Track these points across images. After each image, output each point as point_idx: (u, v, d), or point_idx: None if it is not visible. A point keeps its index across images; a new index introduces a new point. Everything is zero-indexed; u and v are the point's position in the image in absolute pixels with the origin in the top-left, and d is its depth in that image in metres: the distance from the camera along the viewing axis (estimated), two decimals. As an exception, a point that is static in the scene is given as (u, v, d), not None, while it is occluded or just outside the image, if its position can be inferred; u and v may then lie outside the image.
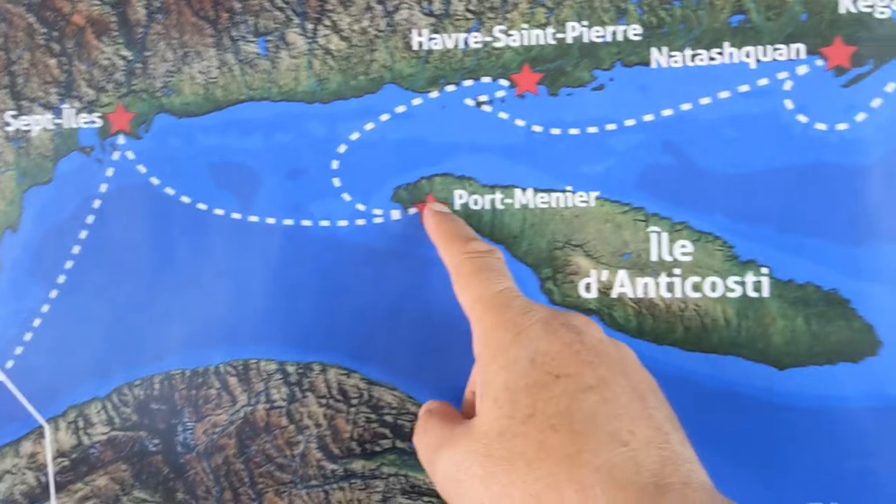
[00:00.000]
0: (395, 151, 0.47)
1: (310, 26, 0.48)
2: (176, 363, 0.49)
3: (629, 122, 0.46)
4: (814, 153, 0.44)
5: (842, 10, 0.44)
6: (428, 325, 0.47)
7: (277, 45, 0.48)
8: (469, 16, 0.47)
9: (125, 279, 0.49)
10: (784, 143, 0.44)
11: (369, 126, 0.47)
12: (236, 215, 0.48)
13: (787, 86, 0.44)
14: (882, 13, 0.43)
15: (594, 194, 0.46)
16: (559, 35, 0.46)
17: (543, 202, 0.46)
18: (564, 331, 0.34)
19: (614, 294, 0.46)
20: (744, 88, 0.45)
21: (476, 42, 0.47)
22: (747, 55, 0.45)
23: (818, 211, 0.44)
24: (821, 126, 0.44)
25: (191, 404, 0.49)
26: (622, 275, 0.46)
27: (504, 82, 0.47)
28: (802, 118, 0.44)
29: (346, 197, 0.48)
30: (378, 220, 0.48)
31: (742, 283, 0.45)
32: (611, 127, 0.46)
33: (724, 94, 0.45)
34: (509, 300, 0.37)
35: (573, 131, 0.46)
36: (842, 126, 0.44)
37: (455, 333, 0.47)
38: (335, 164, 0.48)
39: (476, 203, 0.47)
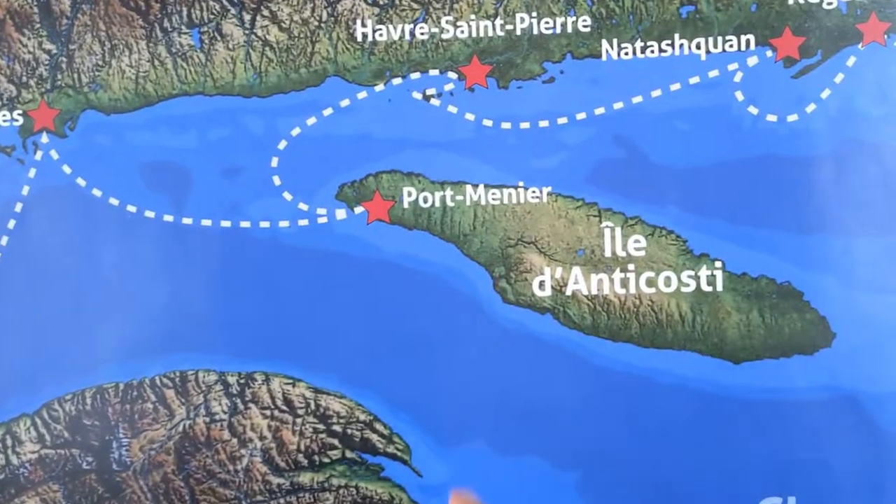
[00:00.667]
0: (339, 147, 0.45)
1: (247, 17, 0.45)
2: (109, 376, 0.46)
3: (580, 116, 0.45)
4: (765, 145, 0.44)
5: (790, 1, 0.43)
6: (376, 329, 0.45)
7: (213, 36, 0.45)
8: (415, 6, 0.45)
9: (51, 287, 0.46)
10: (735, 135, 0.44)
11: (311, 121, 0.45)
12: (169, 217, 0.46)
13: (738, 77, 0.44)
14: (830, 3, 0.43)
15: (546, 190, 0.45)
16: (508, 26, 0.45)
17: (495, 198, 0.45)
18: None
19: (568, 291, 0.45)
20: (694, 80, 0.44)
21: (423, 33, 0.45)
22: (698, 47, 0.44)
23: (770, 203, 0.44)
24: (771, 118, 0.44)
25: (126, 419, 0.46)
26: (576, 271, 0.45)
27: (452, 75, 0.45)
28: (753, 110, 0.44)
29: (288, 196, 0.45)
30: (322, 221, 0.45)
31: (696, 278, 0.44)
32: (562, 120, 0.45)
33: (674, 87, 0.44)
34: None
35: (524, 125, 0.45)
36: (792, 117, 0.44)
37: (404, 337, 0.45)
38: (275, 162, 0.45)
39: (425, 200, 0.45)
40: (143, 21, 0.45)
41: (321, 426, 0.46)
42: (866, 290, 0.44)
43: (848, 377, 0.44)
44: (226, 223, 0.45)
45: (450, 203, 0.45)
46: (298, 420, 0.46)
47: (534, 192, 0.45)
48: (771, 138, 0.44)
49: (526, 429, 0.45)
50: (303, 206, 0.45)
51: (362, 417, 0.46)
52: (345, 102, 0.45)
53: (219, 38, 0.45)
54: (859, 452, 0.44)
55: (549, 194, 0.45)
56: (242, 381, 0.46)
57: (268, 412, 0.46)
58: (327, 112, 0.45)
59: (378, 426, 0.46)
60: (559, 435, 0.45)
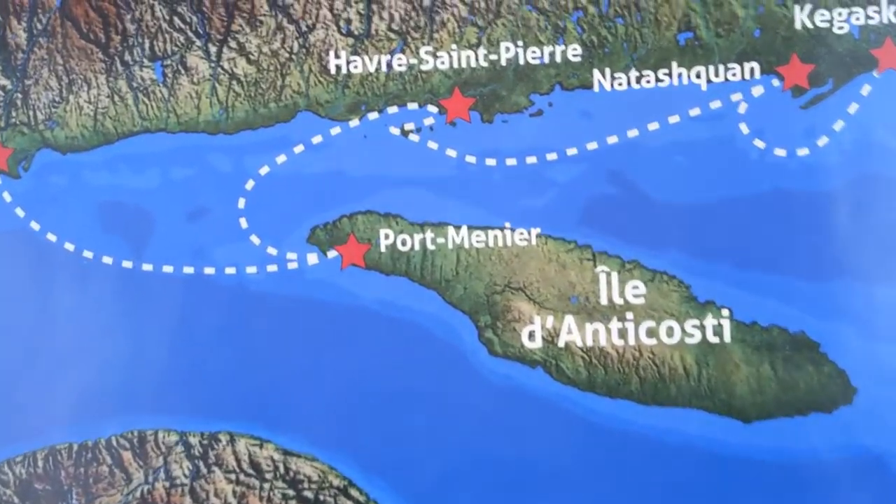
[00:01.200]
0: (311, 187, 0.42)
1: (213, 48, 0.42)
2: (61, 436, 0.42)
3: (571, 151, 0.41)
4: (773, 181, 0.40)
5: (797, 26, 0.40)
6: (351, 384, 0.42)
7: (176, 69, 0.42)
8: (392, 36, 0.42)
9: (0, 339, 0.42)
10: (740, 170, 0.40)
11: (281, 159, 0.42)
12: (127, 264, 0.42)
13: (742, 108, 0.40)
14: (841, 28, 0.40)
15: (535, 231, 0.41)
16: (492, 56, 0.41)
17: (479, 241, 0.41)
18: None
19: (561, 343, 0.41)
20: (695, 112, 0.40)
21: (400, 64, 0.42)
22: (697, 76, 0.40)
23: (780, 244, 0.40)
24: (780, 152, 0.40)
25: (79, 483, 0.42)
26: (569, 321, 0.41)
27: (433, 108, 0.42)
28: (759, 143, 0.40)
29: (255, 240, 0.42)
30: (292, 266, 0.42)
31: (701, 327, 0.40)
32: (551, 157, 0.41)
33: (673, 119, 0.41)
34: None
35: (510, 162, 0.41)
36: (802, 151, 0.40)
37: (382, 393, 0.41)
38: (242, 203, 0.42)
39: (404, 244, 0.41)
40: (103, 54, 0.42)
41: (291, 492, 0.42)
42: (889, 340, 0.39)
43: (871, 436, 0.39)
44: (189, 269, 0.42)
45: (430, 246, 0.41)
46: (266, 485, 0.42)
47: (522, 233, 0.41)
48: (780, 174, 0.40)
49: (516, 496, 0.41)
50: (272, 251, 0.42)
51: (336, 482, 0.42)
52: (317, 139, 0.42)
53: (183, 71, 0.42)
54: (886, 522, 0.39)
55: (538, 236, 0.41)
56: (205, 441, 0.42)
57: (233, 476, 0.42)
58: (298, 149, 0.42)
59: (353, 492, 0.42)
60: (553, 502, 0.41)
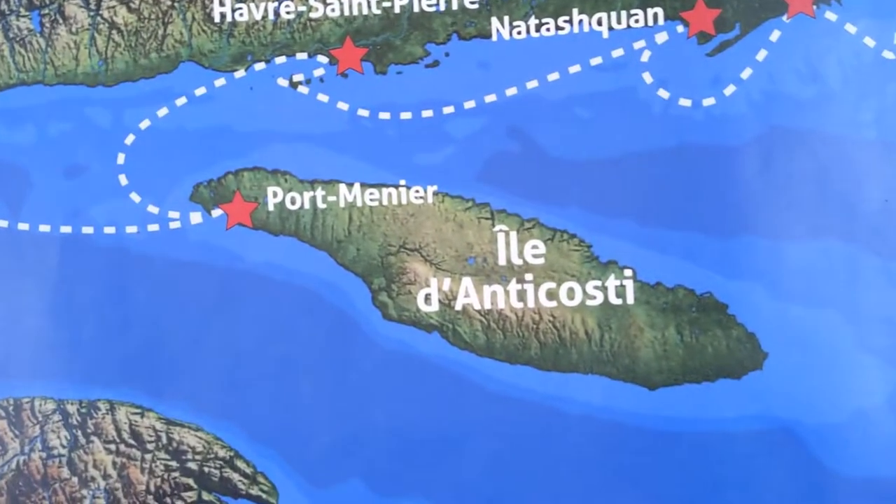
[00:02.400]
0: (194, 142, 0.39)
1: (91, -3, 0.40)
2: (-63, 406, 0.40)
3: (469, 104, 0.39)
4: (678, 134, 0.38)
5: (702, -31, 0.38)
6: (238, 352, 0.39)
7: (54, 19, 0.40)
8: (278, -19, 0.39)
9: None
10: (644, 123, 0.38)
11: (163, 112, 0.39)
12: (3, 223, 0.40)
13: (645, 56, 0.38)
14: (747, -29, 0.37)
15: (431, 189, 0.39)
16: (385, 3, 0.39)
17: (373, 199, 0.39)
18: None
19: (458, 306, 0.39)
20: (596, 61, 0.38)
21: (288, 12, 0.39)
22: (599, 23, 0.38)
23: (686, 200, 0.38)
24: (685, 102, 0.38)
25: (-45, 456, 0.40)
26: (467, 283, 0.39)
27: (323, 59, 0.39)
28: (664, 94, 0.38)
29: (136, 198, 0.39)
30: (175, 226, 0.39)
31: (603, 289, 0.38)
32: (448, 110, 0.39)
33: (574, 69, 0.38)
34: None
35: (405, 115, 0.39)
36: (708, 101, 0.38)
37: (269, 360, 0.39)
38: (121, 159, 0.39)
39: (293, 202, 0.39)
40: (-23, 2, 0.40)
41: (174, 463, 0.39)
42: (801, 301, 0.37)
43: (782, 405, 0.37)
44: (66, 229, 0.40)
45: (321, 205, 0.39)
46: (148, 456, 0.39)
47: (417, 191, 0.39)
48: (685, 126, 0.38)
49: (409, 466, 0.39)
50: (153, 209, 0.39)
51: (221, 453, 0.39)
52: (200, 91, 0.39)
53: (61, 20, 0.40)
54: (796, 494, 0.37)
55: (434, 194, 0.39)
56: (84, 410, 0.40)
57: (112, 447, 0.40)
58: (181, 102, 0.39)
59: (240, 463, 0.39)
60: (448, 473, 0.38)
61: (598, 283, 0.38)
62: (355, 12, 0.39)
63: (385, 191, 0.39)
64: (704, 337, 0.38)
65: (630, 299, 0.38)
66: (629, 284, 0.38)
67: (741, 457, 0.37)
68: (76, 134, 0.40)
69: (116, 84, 0.40)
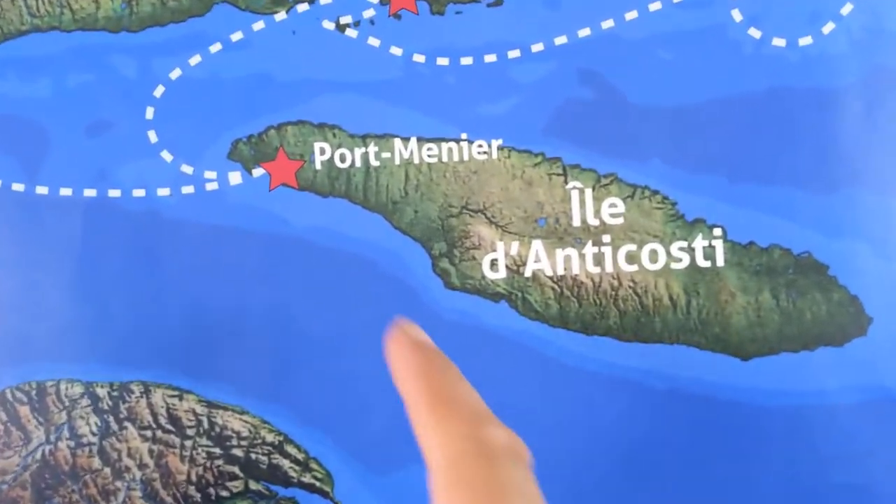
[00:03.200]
0: (231, 93, 0.35)
1: (112, -68, 0.36)
2: (-51, 392, 0.36)
3: (537, 48, 0.35)
4: (771, 77, 0.34)
5: None
6: (284, 326, 0.35)
7: (70, -42, 0.36)
8: (323, -88, 0.35)
9: None
10: (733, 65, 0.34)
11: (195, 60, 0.35)
12: (19, 186, 0.36)
13: (736, -9, 0.34)
14: None
15: (496, 143, 0.35)
16: (442, -64, 0.35)
17: (431, 155, 0.35)
18: None
19: (528, 272, 0.35)
20: (680, -3, 0.34)
21: (334, -53, 0.35)
22: (683, -46, 0.34)
23: (781, 151, 0.34)
24: (778, 42, 0.34)
25: (-29, 447, 0.36)
26: (537, 246, 0.35)
27: (373, -1, 0.35)
28: (755, 33, 0.34)
29: (167, 157, 0.35)
30: (211, 187, 0.35)
31: (690, 250, 0.34)
32: (514, 54, 0.35)
33: (654, 6, 0.34)
34: None
35: (465, 61, 0.35)
36: (805, 41, 0.34)
37: (320, 336, 0.35)
38: (150, 113, 0.35)
39: (343, 159, 0.35)
40: (-17, -60, 0.36)
41: (217, 450, 0.36)
42: (909, 260, 0.34)
43: (888, 373, 0.34)
44: (90, 192, 0.35)
45: (374, 162, 0.35)
46: (188, 443, 0.36)
47: (480, 146, 0.35)
48: (779, 68, 0.34)
49: (477, 449, 0.35)
50: (186, 169, 0.35)
51: (269, 438, 0.36)
52: (237, 36, 0.35)
53: (78, -41, 0.35)
54: (907, 471, 0.33)
55: (499, 149, 0.35)
56: (115, 393, 0.36)
57: (148, 433, 0.36)
58: (215, 48, 0.35)
59: (290, 449, 0.36)
60: (520, 456, 0.35)
61: (684, 243, 0.34)
62: (409, -54, 0.35)
63: (445, 146, 0.35)
64: (802, 301, 0.34)
65: (720, 261, 0.34)
66: (718, 245, 0.34)
67: (845, 431, 0.34)
68: (98, 86, 0.35)
69: (142, 29, 0.35)
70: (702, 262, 0.34)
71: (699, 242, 0.34)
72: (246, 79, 0.35)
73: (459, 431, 0.22)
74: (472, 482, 0.21)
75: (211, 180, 0.35)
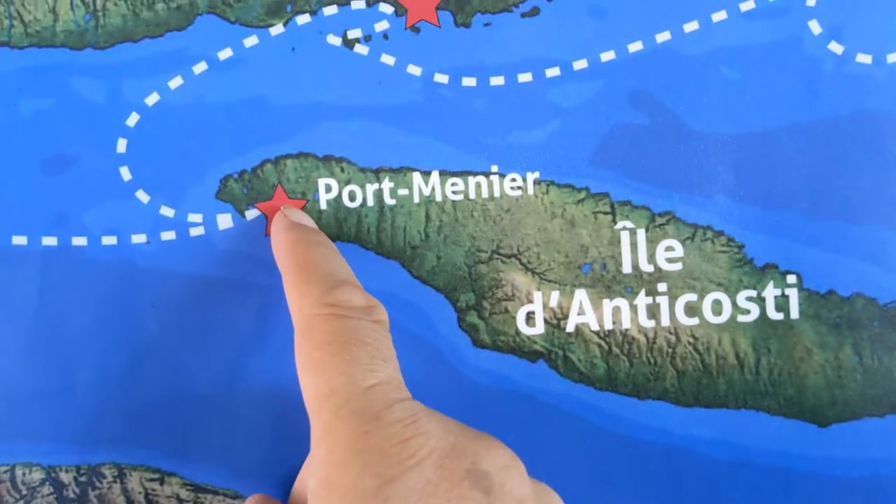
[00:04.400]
0: (219, 121, 0.30)
1: (72, -72, 0.30)
2: None
3: (579, 65, 0.30)
4: (855, 99, 0.29)
5: None
6: (285, 393, 0.30)
7: (21, -40, 0.30)
8: None
9: None
10: (811, 85, 0.29)
11: (176, 83, 0.30)
12: (-37, 234, 0.30)
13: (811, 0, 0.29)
14: None
15: (532, 176, 0.30)
16: (467, -66, 0.29)
17: (456, 192, 0.30)
18: (467, 486, 0.22)
19: (570, 326, 0.30)
20: (747, 6, 0.29)
21: (339, -54, 0.30)
22: (751, -45, 0.29)
23: (866, 185, 0.29)
24: (864, 58, 0.29)
25: (-89, 541, 0.30)
26: (581, 296, 0.30)
27: (387, 8, 0.30)
28: (836, 48, 0.29)
29: (143, 197, 0.30)
30: (197, 232, 0.30)
31: (759, 300, 0.29)
32: (552, 73, 0.30)
33: (718, 16, 0.29)
34: (384, 407, 0.23)
35: (496, 81, 0.30)
36: (894, 57, 0.29)
37: (329, 402, 0.30)
38: (122, 146, 0.30)
39: (353, 198, 0.30)
40: (-86, -63, 0.30)
41: (207, 542, 0.30)
42: None
43: None
44: (49, 241, 0.30)
45: (389, 200, 0.30)
46: (172, 534, 0.30)
47: (514, 180, 0.30)
48: (864, 88, 0.29)
49: (514, 534, 0.30)
50: (167, 212, 0.29)
51: (268, 526, 0.30)
52: (225, 53, 0.30)
53: (31, -39, 0.30)
54: None
55: (536, 183, 0.30)
56: (83, 478, 0.30)
57: (124, 525, 0.30)
58: (200, 68, 0.29)
59: (293, 538, 0.30)
60: (565, 540, 0.30)
61: (753, 293, 0.30)
62: (429, -55, 0.29)
63: (472, 180, 0.30)
64: (890, 358, 0.29)
65: (794, 313, 0.29)
66: (793, 294, 0.29)
67: (939, 508, 0.29)
68: (58, 113, 0.29)
69: (111, 46, 0.30)
70: (773, 315, 0.30)
71: (770, 291, 0.30)
72: (237, 104, 0.30)
73: (316, 295, 0.25)
74: (319, 336, 0.24)
75: (196, 224, 0.30)
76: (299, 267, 0.26)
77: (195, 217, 0.30)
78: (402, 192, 0.30)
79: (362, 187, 0.30)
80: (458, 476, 0.22)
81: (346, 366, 0.23)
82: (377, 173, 0.30)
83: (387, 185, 0.30)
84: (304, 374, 0.24)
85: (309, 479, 0.23)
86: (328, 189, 0.30)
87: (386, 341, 0.25)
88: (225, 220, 0.30)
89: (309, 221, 0.29)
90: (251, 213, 0.30)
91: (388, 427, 0.22)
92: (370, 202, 0.30)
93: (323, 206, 0.30)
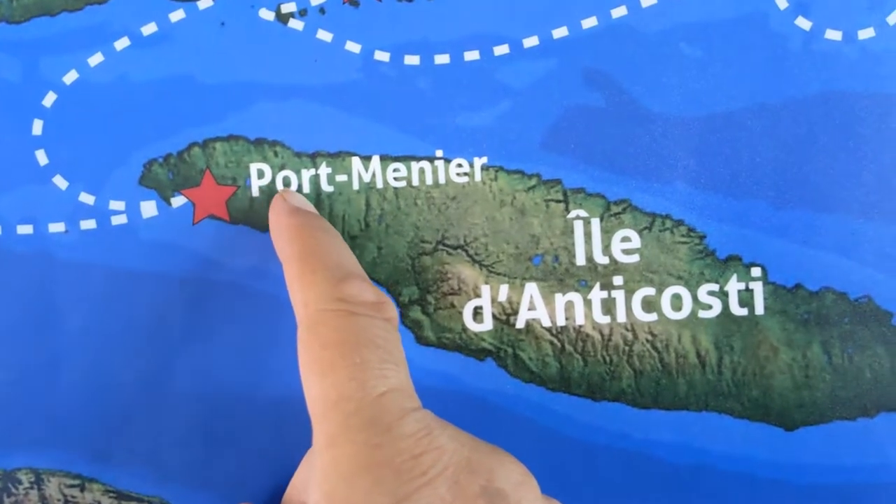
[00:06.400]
0: (143, 102, 0.27)
1: None
2: None
3: (530, 42, 0.27)
4: (824, 79, 0.27)
5: None
6: (215, 393, 0.28)
7: (-69, -73, 0.28)
8: None
9: None
10: (777, 63, 0.27)
11: (96, 60, 0.27)
12: None
13: (779, -28, 0.27)
14: None
15: (480, 161, 0.28)
16: None
17: (399, 178, 0.28)
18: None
19: (520, 322, 0.28)
20: (710, -20, 0.27)
21: (272, -86, 0.27)
22: (714, -76, 0.27)
23: (836, 171, 0.27)
24: (833, 35, 0.27)
25: None
26: (532, 290, 0.28)
27: (323, -19, 0.28)
28: (804, 23, 0.27)
29: (61, 183, 0.28)
30: (119, 221, 0.28)
31: (722, 295, 0.27)
32: (501, 50, 0.28)
33: (679, -10, 0.27)
34: (396, 419, 0.21)
35: (441, 59, 0.28)
36: (866, 33, 0.27)
37: (265, 401, 0.28)
38: (38, 128, 0.27)
39: (287, 184, 0.28)
40: None
41: (131, 552, 0.28)
42: None
43: (968, 445, 0.27)
44: (-40, 230, 0.27)
45: (326, 187, 0.28)
46: (94, 544, 0.28)
47: (460, 165, 0.28)
48: (834, 67, 0.27)
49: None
50: (87, 199, 0.27)
51: (197, 536, 0.28)
52: (150, 28, 0.27)
53: (-59, -72, 0.27)
54: None
55: (484, 169, 0.28)
56: (-2, 484, 0.28)
57: (42, 534, 0.28)
58: (122, 44, 0.27)
59: (224, 549, 0.28)
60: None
61: (715, 287, 0.27)
62: (368, -87, 0.27)
63: (416, 165, 0.28)
64: (861, 357, 0.27)
65: (759, 308, 0.27)
66: (757, 288, 0.27)
67: (913, 517, 0.27)
68: (-30, 93, 0.27)
69: (27, 20, 0.27)
70: (737, 310, 0.27)
71: (733, 285, 0.27)
72: (162, 83, 0.27)
73: (323, 288, 0.23)
74: (327, 334, 0.22)
75: (118, 212, 0.28)
76: (304, 256, 0.24)
77: (117, 204, 0.28)
78: (341, 178, 0.28)
79: (297, 173, 0.28)
80: (472, 494, 0.21)
81: (356, 370, 0.22)
82: (313, 158, 0.28)
83: (324, 170, 0.28)
84: (310, 374, 0.22)
85: (310, 489, 0.21)
86: (260, 175, 0.28)
87: (396, 342, 0.23)
88: (149, 208, 0.28)
89: (309, 206, 0.27)
90: (177, 201, 0.28)
91: (400, 440, 0.21)
92: (306, 189, 0.28)
93: (255, 192, 0.28)
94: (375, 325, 0.23)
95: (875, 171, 0.27)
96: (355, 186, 0.28)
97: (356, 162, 0.28)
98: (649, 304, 0.28)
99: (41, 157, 0.27)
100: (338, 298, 0.23)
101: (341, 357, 0.22)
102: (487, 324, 0.28)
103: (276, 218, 0.26)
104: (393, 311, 0.24)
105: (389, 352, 0.23)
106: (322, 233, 0.25)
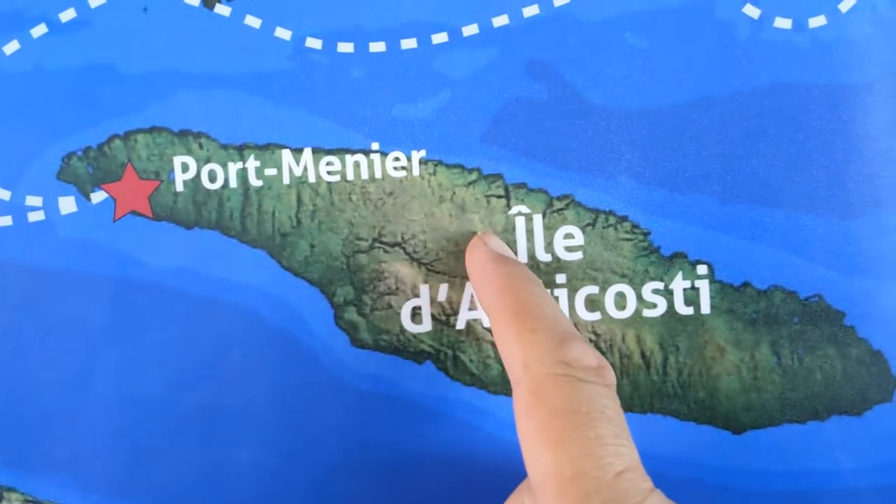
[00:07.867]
0: (61, 92, 0.26)
1: None
2: None
3: (469, 30, 0.26)
4: (773, 69, 0.26)
5: None
6: (139, 398, 0.26)
7: None
8: None
9: None
10: (724, 53, 0.26)
11: (11, 48, 0.26)
12: None
13: (727, -43, 0.26)
14: None
15: (418, 155, 0.26)
16: None
17: (332, 172, 0.26)
18: None
19: (461, 323, 0.27)
20: (655, -34, 0.26)
21: None
22: None
23: (784, 166, 0.26)
24: (782, 23, 0.26)
25: None
26: (472, 290, 0.27)
27: (251, -35, 0.26)
28: (752, 11, 0.26)
29: (-26, 177, 0.26)
30: (36, 218, 0.26)
31: (667, 293, 0.26)
32: (439, 38, 0.26)
33: (623, -23, 0.26)
34: (637, 502, 0.20)
35: (376, 47, 0.26)
36: (817, 21, 0.26)
37: (187, 412, 0.26)
38: (-51, 118, 0.26)
39: (213, 178, 0.26)
40: None
41: (52, 565, 0.27)
42: (947, 305, 0.26)
43: (920, 450, 0.26)
44: None
45: (255, 181, 0.26)
46: (12, 556, 0.27)
47: (397, 159, 0.26)
48: (783, 58, 0.26)
49: (397, 553, 0.27)
50: (2, 194, 0.26)
51: (122, 547, 0.27)
52: (68, 15, 0.26)
53: None
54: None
55: (422, 162, 0.26)
56: (-90, 494, 0.26)
57: (-43, 546, 0.26)
58: (38, 31, 0.26)
59: (150, 560, 0.27)
60: (452, 561, 0.26)
61: (660, 285, 0.26)
62: None
63: (350, 159, 0.26)
64: (811, 358, 0.26)
65: (705, 307, 0.26)
66: (704, 286, 0.26)
67: (863, 523, 0.26)
68: None
69: (-65, 5, 0.26)
70: (682, 309, 0.26)
71: (679, 283, 0.26)
72: (81, 72, 0.26)
73: (545, 350, 0.22)
74: (555, 403, 0.21)
75: (35, 208, 0.26)
76: (519, 311, 0.23)
77: (34, 200, 0.26)
78: (270, 172, 0.26)
79: (224, 166, 0.26)
80: None
81: (593, 445, 0.20)
82: (241, 150, 0.26)
83: (252, 163, 0.26)
84: (538, 445, 0.21)
85: None
86: (185, 168, 0.26)
87: (622, 413, 0.22)
88: (68, 204, 0.26)
89: (509, 252, 0.26)
90: (97, 196, 0.26)
91: None
92: (233, 183, 0.26)
93: (179, 187, 0.26)
94: (603, 395, 0.21)
95: (826, 165, 0.26)
96: (286, 181, 0.26)
97: (287, 155, 0.26)
98: (593, 303, 0.26)
99: (-47, 151, 0.26)
100: (562, 362, 0.22)
101: (574, 429, 0.21)
102: (426, 325, 0.27)
103: (480, 264, 0.25)
104: (613, 376, 0.22)
105: (621, 425, 0.21)
106: (535, 286, 0.24)
